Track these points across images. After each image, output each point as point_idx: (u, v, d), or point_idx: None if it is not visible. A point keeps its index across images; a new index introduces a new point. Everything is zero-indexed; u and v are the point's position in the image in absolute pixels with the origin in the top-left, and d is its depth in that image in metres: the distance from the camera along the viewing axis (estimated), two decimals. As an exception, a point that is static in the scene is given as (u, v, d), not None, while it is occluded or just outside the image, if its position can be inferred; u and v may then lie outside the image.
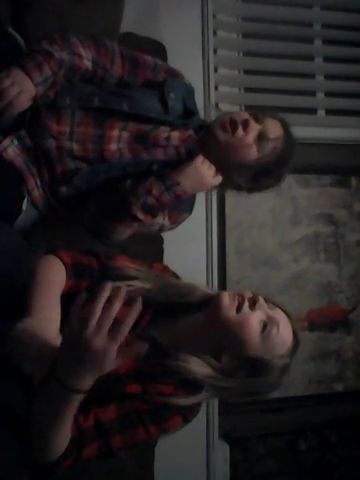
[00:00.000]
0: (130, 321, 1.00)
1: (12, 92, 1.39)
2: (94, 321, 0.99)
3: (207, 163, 1.59)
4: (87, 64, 1.54)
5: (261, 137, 1.59)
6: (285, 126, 1.64)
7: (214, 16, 2.47)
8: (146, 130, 1.58)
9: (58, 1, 1.85)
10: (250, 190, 1.71)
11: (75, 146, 1.52)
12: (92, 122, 1.54)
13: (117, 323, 0.99)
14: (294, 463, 2.58)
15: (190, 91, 1.70)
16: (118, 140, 1.56)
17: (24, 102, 1.42)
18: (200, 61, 2.42)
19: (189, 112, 1.66)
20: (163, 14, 2.32)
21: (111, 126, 1.55)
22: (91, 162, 1.55)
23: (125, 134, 1.57)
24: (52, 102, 1.52)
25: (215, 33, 2.49)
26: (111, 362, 1.02)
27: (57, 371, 1.05)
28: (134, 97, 1.58)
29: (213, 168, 1.59)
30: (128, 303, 1.01)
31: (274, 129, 1.61)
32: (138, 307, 1.00)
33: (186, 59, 2.23)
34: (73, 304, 1.04)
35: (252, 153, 1.59)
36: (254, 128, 1.59)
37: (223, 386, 1.26)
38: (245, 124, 1.58)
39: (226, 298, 1.24)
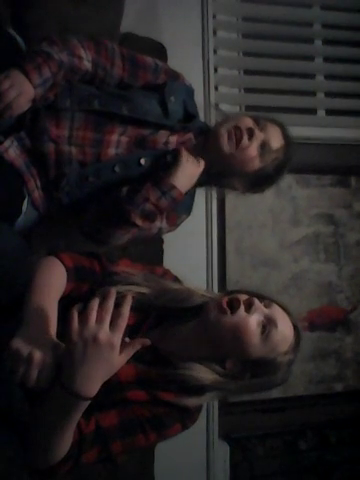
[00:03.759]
0: (125, 311, 1.05)
1: (11, 94, 1.38)
2: (93, 316, 1.04)
3: (190, 157, 1.58)
4: (87, 65, 1.53)
5: (264, 147, 1.58)
6: (285, 133, 1.63)
7: (214, 16, 2.47)
8: (145, 135, 1.58)
9: (58, 2, 1.85)
10: (245, 192, 1.71)
11: (74, 150, 1.52)
12: (91, 126, 1.53)
13: (114, 317, 1.05)
14: (294, 463, 2.58)
15: (190, 93, 1.70)
16: (117, 145, 1.56)
17: (23, 104, 1.42)
18: (200, 61, 2.42)
19: (189, 115, 1.66)
20: (163, 14, 2.33)
21: (110, 131, 1.55)
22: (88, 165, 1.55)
23: (124, 139, 1.57)
24: (52, 104, 1.52)
25: (215, 33, 2.49)
26: (117, 357, 1.05)
27: (63, 378, 1.05)
28: (134, 100, 1.57)
29: (194, 159, 1.59)
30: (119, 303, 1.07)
31: (276, 139, 1.61)
32: (129, 300, 1.07)
33: (186, 59, 2.23)
34: (69, 313, 1.06)
35: (255, 164, 1.59)
36: (258, 137, 1.58)
37: (230, 388, 1.26)
38: (250, 133, 1.57)
39: (212, 309, 1.22)
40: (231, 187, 1.69)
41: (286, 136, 1.63)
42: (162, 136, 1.60)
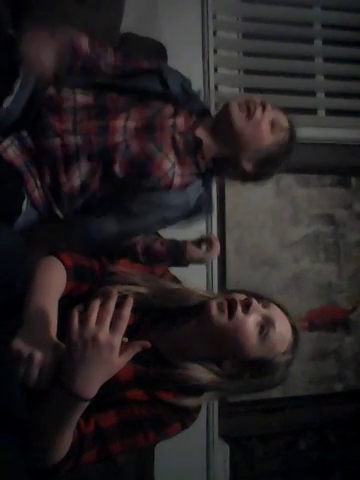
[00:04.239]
0: (125, 313, 1.05)
1: (46, 51, 1.43)
2: (94, 317, 1.04)
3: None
4: (84, 45, 1.56)
5: (274, 124, 1.61)
6: (289, 118, 1.66)
7: (214, 16, 2.47)
8: (150, 116, 1.57)
9: (59, 2, 1.85)
10: (246, 179, 1.71)
11: (80, 140, 1.51)
12: (94, 115, 1.53)
13: (115, 318, 1.04)
14: (294, 463, 2.58)
15: (186, 82, 1.70)
16: (124, 131, 1.55)
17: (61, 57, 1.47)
18: (200, 61, 2.42)
19: (189, 95, 1.66)
20: (163, 14, 2.33)
21: (114, 117, 1.54)
22: (96, 156, 1.53)
23: (131, 124, 1.55)
24: (52, 101, 1.52)
25: (215, 33, 2.50)
26: (117, 359, 1.05)
27: (63, 378, 1.05)
28: (134, 78, 1.60)
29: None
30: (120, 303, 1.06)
31: (284, 119, 1.64)
32: (130, 302, 1.06)
33: (186, 59, 2.23)
34: (70, 313, 1.06)
35: (266, 139, 1.60)
36: (270, 113, 1.61)
37: (229, 388, 1.27)
38: (263, 106, 1.60)
39: (214, 308, 1.22)
40: (238, 172, 1.68)
41: (290, 121, 1.66)
42: (168, 116, 1.59)
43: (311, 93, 2.71)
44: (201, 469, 2.41)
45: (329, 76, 2.72)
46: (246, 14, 2.58)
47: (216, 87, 2.49)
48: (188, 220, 1.66)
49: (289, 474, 2.57)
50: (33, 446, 1.13)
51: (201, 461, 2.42)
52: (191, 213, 1.64)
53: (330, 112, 2.71)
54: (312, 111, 2.69)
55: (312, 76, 2.72)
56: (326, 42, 2.71)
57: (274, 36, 2.61)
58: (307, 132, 2.51)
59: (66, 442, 1.12)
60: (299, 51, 2.68)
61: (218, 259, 2.46)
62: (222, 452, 2.47)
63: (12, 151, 1.49)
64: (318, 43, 2.71)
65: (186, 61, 2.12)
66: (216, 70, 2.50)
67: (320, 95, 2.72)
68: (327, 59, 2.71)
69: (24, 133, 1.51)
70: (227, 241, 2.50)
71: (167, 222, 1.64)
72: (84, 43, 1.56)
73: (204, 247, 1.72)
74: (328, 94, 2.72)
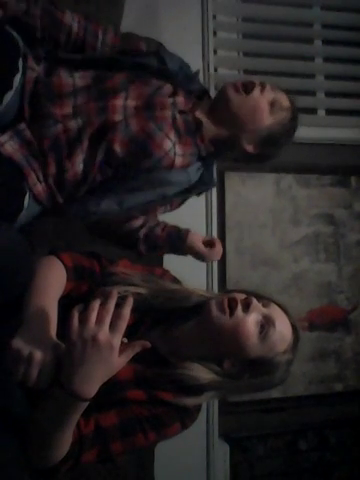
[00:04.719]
0: (125, 312, 1.05)
1: None
2: (94, 316, 1.04)
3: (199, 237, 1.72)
4: (70, 21, 1.56)
5: (274, 104, 1.60)
6: (291, 98, 1.66)
7: (214, 16, 2.47)
8: (149, 93, 1.56)
9: (58, 2, 1.85)
10: (248, 161, 1.72)
11: (80, 122, 1.49)
12: (94, 97, 1.51)
13: (115, 318, 1.04)
14: (294, 463, 2.58)
15: (185, 64, 1.69)
16: (124, 110, 1.53)
17: None
18: (200, 61, 2.42)
19: (188, 77, 1.66)
20: (163, 14, 2.33)
21: (113, 97, 1.52)
22: (96, 136, 1.51)
23: (130, 103, 1.54)
24: (51, 90, 1.51)
25: (215, 33, 2.50)
26: (117, 359, 1.05)
27: (62, 378, 1.05)
28: (131, 56, 1.60)
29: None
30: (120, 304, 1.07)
31: (284, 99, 1.63)
32: (130, 302, 1.06)
33: (186, 59, 2.23)
34: (70, 313, 1.06)
35: (266, 117, 1.60)
36: (269, 93, 1.60)
37: (229, 388, 1.27)
38: (262, 86, 1.59)
39: (214, 307, 1.22)
40: (239, 154, 1.67)
41: (292, 101, 1.65)
42: (167, 95, 1.58)
43: (311, 93, 2.71)
44: (201, 469, 2.41)
45: (329, 76, 2.72)
46: (246, 14, 2.58)
47: (216, 87, 2.48)
48: (189, 195, 1.67)
49: (289, 474, 2.57)
50: (33, 446, 1.13)
51: (201, 461, 2.41)
52: (192, 188, 1.64)
53: (330, 112, 2.71)
54: (312, 111, 2.69)
55: (312, 76, 2.72)
56: (326, 42, 2.71)
57: (274, 36, 2.61)
58: (307, 132, 2.52)
59: (66, 442, 1.12)
60: (299, 51, 2.68)
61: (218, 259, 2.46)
62: (222, 452, 2.47)
63: (10, 146, 1.46)
64: (318, 43, 2.71)
65: (186, 61, 2.12)
66: (216, 70, 2.50)
67: (320, 95, 2.72)
68: (327, 59, 2.71)
69: (22, 126, 1.48)
70: (227, 241, 2.50)
71: (167, 199, 1.63)
72: (67, 17, 1.56)
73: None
74: (328, 94, 2.72)
